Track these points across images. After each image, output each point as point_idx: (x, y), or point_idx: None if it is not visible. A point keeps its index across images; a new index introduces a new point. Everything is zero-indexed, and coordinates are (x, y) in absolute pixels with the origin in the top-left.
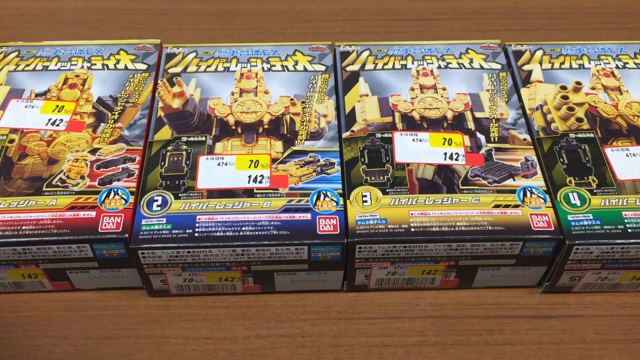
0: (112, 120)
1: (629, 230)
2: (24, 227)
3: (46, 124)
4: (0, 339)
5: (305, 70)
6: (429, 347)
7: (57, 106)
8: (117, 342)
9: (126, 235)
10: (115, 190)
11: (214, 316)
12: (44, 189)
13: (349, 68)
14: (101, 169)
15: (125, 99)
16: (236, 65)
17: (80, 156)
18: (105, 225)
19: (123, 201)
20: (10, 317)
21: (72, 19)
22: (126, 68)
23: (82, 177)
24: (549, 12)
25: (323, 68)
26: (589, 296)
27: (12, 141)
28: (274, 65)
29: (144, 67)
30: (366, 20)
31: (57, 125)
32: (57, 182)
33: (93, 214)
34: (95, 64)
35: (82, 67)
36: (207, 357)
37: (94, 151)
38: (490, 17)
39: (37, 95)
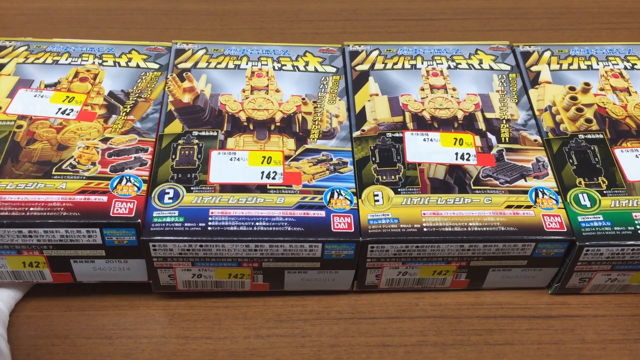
0: (124, 113)
1: None
2: (31, 209)
3: (56, 113)
4: None
5: (316, 71)
6: (429, 347)
7: (68, 97)
8: (117, 342)
9: (139, 220)
10: (128, 177)
11: (214, 316)
12: (54, 172)
13: (359, 67)
14: (113, 157)
15: (137, 94)
16: (247, 64)
17: (92, 144)
18: (117, 209)
19: (135, 188)
20: (10, 317)
21: (72, 19)
22: (138, 66)
23: (93, 164)
24: (549, 12)
25: (334, 70)
26: (589, 296)
27: (20, 127)
28: (285, 65)
29: (156, 66)
30: (366, 20)
31: (68, 114)
32: (67, 167)
33: (105, 198)
34: (106, 61)
35: (94, 63)
36: (207, 357)
37: (105, 140)
38: (490, 17)
39: (46, 86)
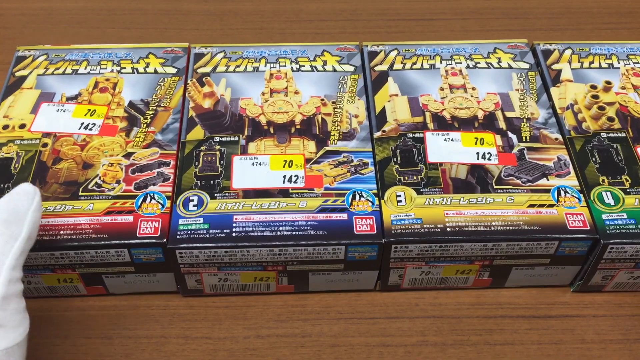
0: (145, 125)
1: None
2: (61, 232)
3: (79, 128)
4: None
5: (334, 70)
6: (429, 347)
7: (89, 110)
8: (117, 342)
9: (164, 239)
10: (152, 194)
11: (214, 316)
12: (80, 193)
13: (378, 68)
14: (136, 174)
15: (156, 103)
16: (265, 66)
17: (115, 160)
18: (143, 230)
19: (160, 206)
20: None
21: (72, 19)
22: (156, 72)
23: (118, 182)
24: (549, 12)
25: (352, 68)
26: (589, 296)
27: (45, 145)
28: (303, 66)
29: (174, 70)
30: (366, 20)
31: (90, 129)
32: (92, 186)
33: (130, 218)
34: (124, 68)
35: (112, 70)
36: (207, 357)
37: (128, 155)
38: (490, 17)
39: (68, 99)
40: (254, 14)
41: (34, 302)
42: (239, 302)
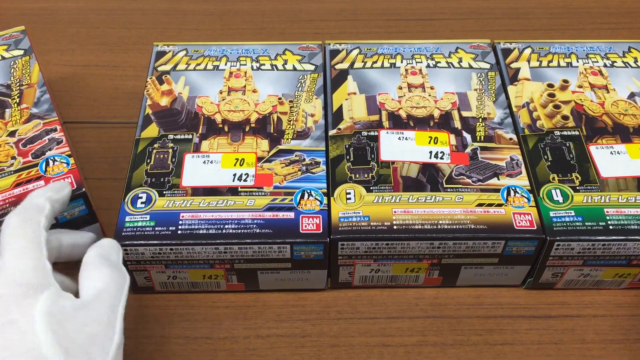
0: (15, 104)
1: (610, 227)
2: None
3: None
4: None
5: (294, 69)
6: (429, 347)
7: None
8: None
9: (84, 189)
10: (52, 158)
11: (214, 316)
12: None
13: (338, 66)
14: (28, 146)
15: (17, 83)
16: (225, 64)
17: (2, 141)
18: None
19: (65, 164)
20: None
21: (72, 19)
22: (3, 58)
23: (14, 157)
24: (549, 12)
25: (312, 67)
26: (589, 296)
27: None
28: (264, 64)
29: (20, 52)
30: (366, 20)
31: None
32: None
33: (42, 183)
34: None
35: None
36: (207, 357)
37: (12, 134)
38: (490, 17)
39: None
40: (254, 14)
41: None
42: (239, 302)
